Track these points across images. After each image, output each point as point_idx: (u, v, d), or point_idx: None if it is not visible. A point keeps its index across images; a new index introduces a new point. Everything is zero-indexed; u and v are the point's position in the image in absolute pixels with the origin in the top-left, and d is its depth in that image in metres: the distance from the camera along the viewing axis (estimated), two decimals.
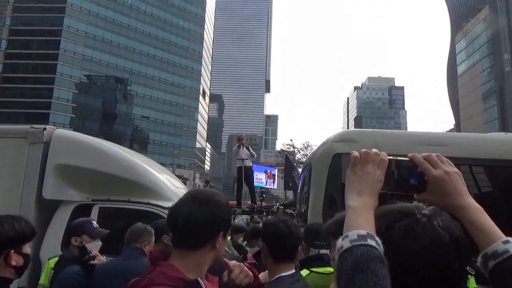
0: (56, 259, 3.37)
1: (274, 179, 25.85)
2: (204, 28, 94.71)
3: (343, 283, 0.76)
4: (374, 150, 0.96)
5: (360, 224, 0.84)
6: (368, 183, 0.92)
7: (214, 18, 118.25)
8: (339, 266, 0.79)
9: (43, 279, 3.26)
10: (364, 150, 0.96)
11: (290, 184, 10.13)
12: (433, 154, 0.99)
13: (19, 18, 71.73)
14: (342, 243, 0.82)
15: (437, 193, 0.96)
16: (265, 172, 24.38)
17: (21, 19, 71.65)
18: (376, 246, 0.80)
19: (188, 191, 1.55)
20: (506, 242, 0.87)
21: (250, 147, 9.91)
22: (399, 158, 0.99)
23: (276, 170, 28.55)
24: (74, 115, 72.29)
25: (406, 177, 0.98)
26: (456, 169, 0.98)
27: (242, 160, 9.61)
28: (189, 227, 1.32)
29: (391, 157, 0.97)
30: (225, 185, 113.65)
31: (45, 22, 71.73)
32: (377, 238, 0.82)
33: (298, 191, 7.05)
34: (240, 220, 9.87)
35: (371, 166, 0.94)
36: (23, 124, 5.24)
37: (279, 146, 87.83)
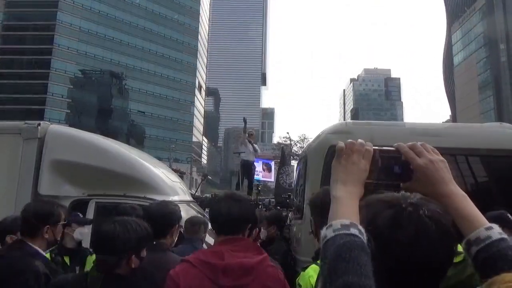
0: None
1: (271, 172, 25.91)
2: (199, 22, 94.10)
3: (326, 272, 0.78)
4: (359, 140, 0.97)
5: (344, 214, 0.85)
6: (353, 173, 0.93)
7: (209, 11, 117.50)
8: (323, 255, 0.81)
9: None
10: (349, 140, 0.97)
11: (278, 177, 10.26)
12: (418, 143, 1.00)
13: (12, 13, 70.99)
14: (326, 232, 0.83)
15: (422, 181, 0.97)
16: (262, 164, 24.44)
17: (14, 15, 70.93)
18: (359, 235, 0.80)
19: (225, 193, 1.99)
20: (489, 228, 0.89)
21: (254, 144, 10.21)
22: (385, 147, 1.00)
23: (273, 162, 28.59)
24: (69, 111, 71.88)
25: (391, 167, 0.99)
26: (441, 157, 0.99)
27: (240, 153, 9.87)
28: (228, 219, 1.77)
29: (376, 147, 0.98)
30: (222, 179, 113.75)
31: (39, 17, 70.99)
32: (360, 227, 0.82)
33: (294, 185, 7.10)
34: None
35: (356, 156, 0.95)
36: (18, 121, 5.21)
37: (276, 139, 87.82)
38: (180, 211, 2.74)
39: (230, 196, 1.83)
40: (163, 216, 2.49)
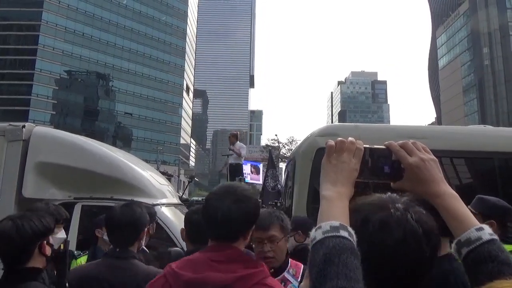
0: (86, 257, 3.42)
1: (259, 174, 25.92)
2: (187, 23, 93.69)
3: (314, 275, 0.75)
4: (350, 138, 0.94)
5: (334, 215, 0.82)
6: (343, 172, 0.90)
7: (197, 13, 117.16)
8: (311, 257, 0.78)
9: None
10: (339, 139, 0.94)
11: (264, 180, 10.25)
12: (409, 142, 0.97)
13: None
14: (315, 234, 0.80)
15: (413, 180, 0.95)
16: (251, 166, 24.44)
17: None
18: (349, 237, 0.78)
19: (223, 187, 1.60)
20: (480, 229, 0.88)
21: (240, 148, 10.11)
22: (375, 146, 0.97)
23: (261, 165, 28.64)
24: (54, 112, 70.72)
25: (381, 166, 0.96)
26: (432, 156, 0.97)
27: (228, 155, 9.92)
28: (225, 223, 1.43)
29: (366, 146, 0.95)
30: (211, 181, 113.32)
31: (23, 17, 69.76)
32: (350, 229, 0.80)
33: (277, 187, 7.14)
34: None
35: (346, 155, 0.92)
36: (1, 122, 5.11)
37: (264, 141, 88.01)
38: (146, 211, 2.40)
39: (232, 193, 1.47)
40: (128, 224, 2.15)
